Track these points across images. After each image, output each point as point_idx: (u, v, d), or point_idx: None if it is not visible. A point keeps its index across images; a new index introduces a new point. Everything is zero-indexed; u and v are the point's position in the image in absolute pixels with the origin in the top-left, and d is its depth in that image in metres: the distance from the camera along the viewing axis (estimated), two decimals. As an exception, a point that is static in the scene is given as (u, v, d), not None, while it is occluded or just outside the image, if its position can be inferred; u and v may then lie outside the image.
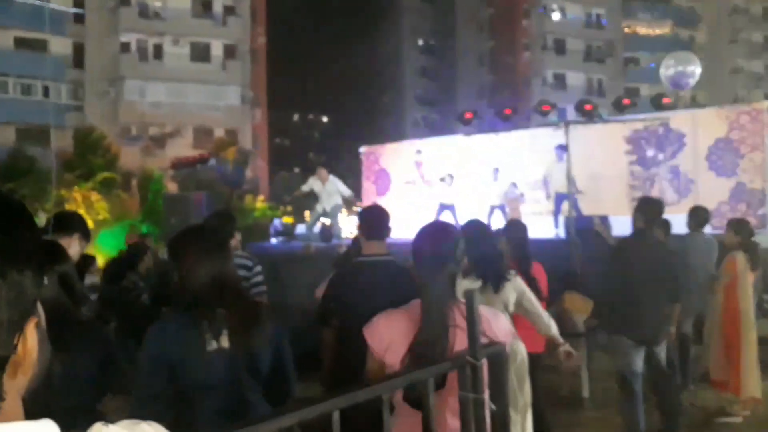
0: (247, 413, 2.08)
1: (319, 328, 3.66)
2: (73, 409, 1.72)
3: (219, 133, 33.71)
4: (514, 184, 11.72)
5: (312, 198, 11.99)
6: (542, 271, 4.37)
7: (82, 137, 27.53)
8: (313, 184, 11.84)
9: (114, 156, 28.22)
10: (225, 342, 2.05)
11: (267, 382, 2.19)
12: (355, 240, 5.47)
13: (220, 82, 34.67)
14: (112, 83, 33.20)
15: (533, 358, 3.96)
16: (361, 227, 3.55)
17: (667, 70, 12.13)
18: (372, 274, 3.36)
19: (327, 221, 11.78)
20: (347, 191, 11.86)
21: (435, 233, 2.22)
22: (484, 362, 1.65)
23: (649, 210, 4.79)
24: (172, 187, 25.93)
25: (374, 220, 3.50)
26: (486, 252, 3.58)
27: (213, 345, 2.03)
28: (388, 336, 2.06)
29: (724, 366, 5.41)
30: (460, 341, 1.92)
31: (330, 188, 11.57)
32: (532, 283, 4.07)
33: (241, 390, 2.09)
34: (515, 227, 4.62)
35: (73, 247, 3.07)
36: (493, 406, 1.64)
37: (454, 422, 1.80)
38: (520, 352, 3.53)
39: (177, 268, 2.20)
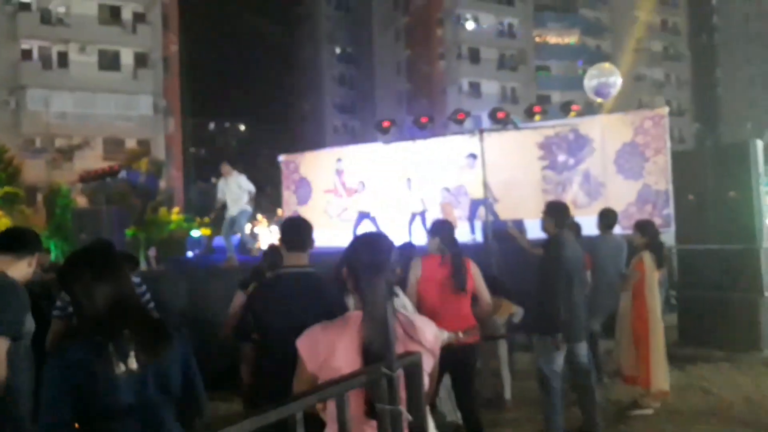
0: None
1: (237, 344, 3.57)
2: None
3: (131, 143, 32.52)
4: (446, 189, 11.84)
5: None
6: (472, 266, 4.44)
7: (-19, 150, 25.91)
8: (221, 186, 10.40)
9: (16, 169, 26.70)
10: (133, 364, 1.97)
11: (178, 401, 2.11)
12: (267, 253, 5.34)
13: (131, 91, 33.44)
14: (12, 92, 31.40)
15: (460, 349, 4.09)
16: (282, 239, 3.48)
17: (591, 80, 12.77)
18: (293, 287, 3.30)
19: (240, 233, 10.64)
20: (251, 187, 10.34)
21: (371, 243, 2.20)
22: (401, 373, 1.62)
23: (557, 214, 4.94)
24: (81, 201, 24.77)
25: (296, 232, 3.45)
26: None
27: (121, 368, 1.95)
28: (326, 349, 2.00)
29: (634, 362, 5.64)
30: (401, 348, 1.92)
31: (233, 185, 10.19)
32: (457, 272, 4.27)
33: (155, 412, 2.01)
34: (443, 225, 4.66)
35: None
36: (410, 417, 1.61)
37: None
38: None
39: (71, 295, 2.09)
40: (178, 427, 2.10)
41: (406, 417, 1.61)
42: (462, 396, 4.37)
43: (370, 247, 2.15)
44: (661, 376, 5.57)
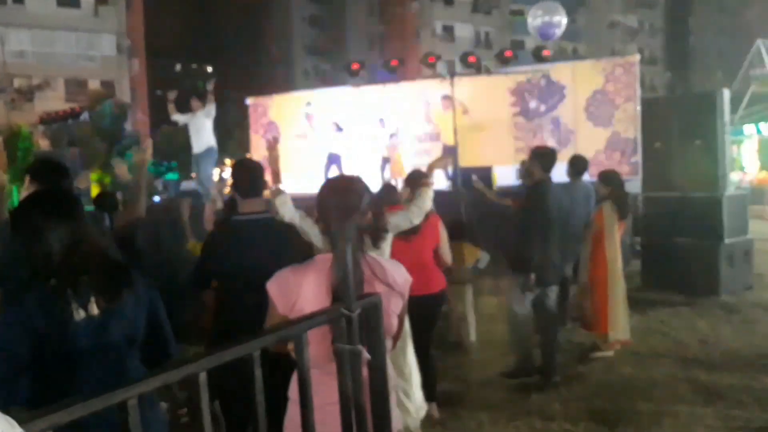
0: (125, 381, 1.95)
1: (196, 293, 3.54)
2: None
3: (94, 85, 31.50)
4: (393, 135, 11.80)
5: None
6: (438, 223, 4.46)
7: (-66, 90, 24.89)
8: (186, 119, 9.73)
9: (-27, 110, 25.78)
10: (94, 309, 1.92)
11: (145, 346, 2.09)
12: (230, 200, 5.26)
13: (92, 29, 32.23)
14: (-33, 29, 30.03)
15: (426, 300, 4.14)
16: (234, 185, 3.41)
17: (534, 20, 12.39)
18: (251, 233, 3.25)
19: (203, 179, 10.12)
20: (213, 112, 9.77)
21: (341, 185, 2.19)
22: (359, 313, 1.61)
23: (544, 159, 5.01)
24: (43, 144, 24.08)
25: (247, 177, 3.36)
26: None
27: (81, 314, 1.89)
28: (296, 291, 2.00)
29: (593, 310, 5.77)
30: (369, 290, 1.93)
31: (198, 121, 9.57)
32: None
33: (117, 358, 1.97)
34: (388, 191, 4.71)
35: None
36: (368, 356, 1.61)
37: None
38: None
39: (24, 240, 2.01)
40: (141, 369, 2.07)
41: (365, 356, 1.61)
42: (420, 338, 4.40)
43: (339, 191, 2.13)
44: (619, 326, 5.70)
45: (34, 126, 22.80)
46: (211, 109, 9.76)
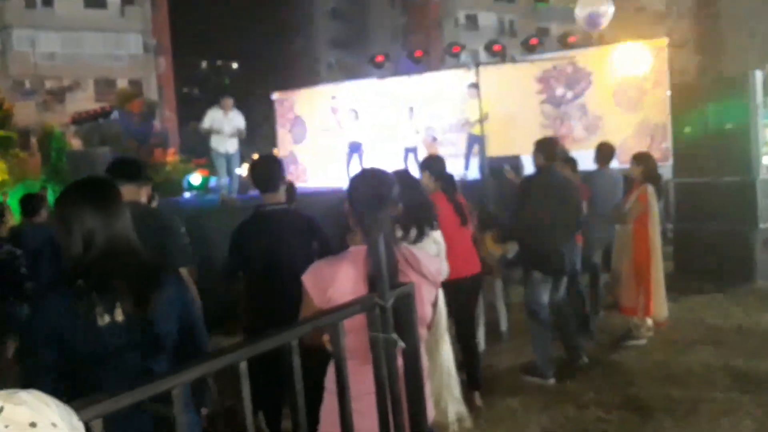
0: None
1: (227, 283, 3.65)
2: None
3: (122, 84, 31.98)
4: (430, 127, 11.76)
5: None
6: (463, 199, 4.57)
7: (-31, 94, 25.48)
8: (212, 116, 9.63)
9: (7, 112, 26.31)
10: (119, 315, 1.84)
11: (177, 346, 2.00)
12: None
13: (119, 29, 32.70)
14: (-2, 33, 30.71)
15: (473, 279, 4.36)
16: (253, 182, 3.52)
17: (582, 10, 12.31)
18: (273, 223, 3.40)
19: (241, 171, 10.85)
20: (242, 127, 9.86)
21: (372, 176, 2.19)
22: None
23: (546, 148, 4.99)
24: (75, 144, 24.50)
25: (263, 174, 3.50)
26: (417, 200, 3.59)
27: (105, 319, 1.82)
28: (330, 282, 2.02)
29: (633, 293, 5.70)
30: (404, 280, 1.92)
31: (234, 121, 9.65)
32: (459, 208, 4.40)
33: (141, 363, 1.89)
34: (435, 160, 4.73)
35: None
36: (403, 344, 1.63)
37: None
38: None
39: (62, 232, 1.93)
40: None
41: (400, 345, 1.63)
42: (462, 324, 4.48)
43: (371, 182, 2.15)
44: (661, 307, 5.67)
45: (66, 126, 23.26)
46: (242, 123, 9.84)
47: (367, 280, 1.96)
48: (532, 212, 4.87)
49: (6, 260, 5.07)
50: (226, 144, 9.69)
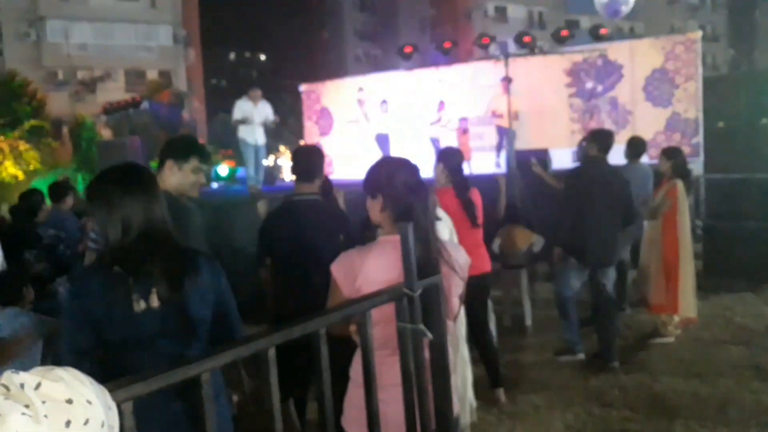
0: None
1: (256, 270, 3.71)
2: None
3: (152, 75, 32.35)
4: (463, 119, 11.65)
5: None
6: (479, 197, 4.38)
7: (4, 83, 25.92)
8: (242, 108, 9.83)
9: (40, 102, 26.79)
10: (155, 301, 1.85)
11: (211, 331, 2.00)
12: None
13: (150, 20, 33.04)
14: (32, 24, 31.19)
15: (483, 278, 4.28)
16: (293, 169, 3.59)
17: None
18: (300, 212, 3.46)
19: (268, 162, 10.97)
20: (272, 117, 10.13)
21: (405, 164, 2.13)
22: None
23: (601, 139, 5.01)
24: (105, 134, 24.83)
25: (303, 163, 3.57)
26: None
27: (141, 305, 1.84)
28: (359, 272, 1.99)
29: (662, 290, 5.62)
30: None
31: (263, 112, 9.84)
32: (468, 206, 4.23)
33: (176, 349, 1.90)
34: (450, 153, 4.51)
35: None
36: (430, 336, 1.63)
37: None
38: None
39: (97, 217, 1.95)
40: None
41: (428, 336, 1.63)
42: (474, 324, 4.41)
43: (404, 167, 2.09)
44: (689, 304, 5.59)
45: (96, 116, 23.59)
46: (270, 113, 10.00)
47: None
48: (578, 205, 4.87)
49: (51, 244, 5.23)
50: (255, 134, 9.84)
